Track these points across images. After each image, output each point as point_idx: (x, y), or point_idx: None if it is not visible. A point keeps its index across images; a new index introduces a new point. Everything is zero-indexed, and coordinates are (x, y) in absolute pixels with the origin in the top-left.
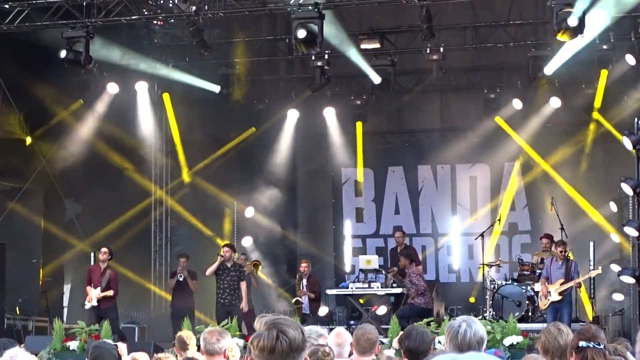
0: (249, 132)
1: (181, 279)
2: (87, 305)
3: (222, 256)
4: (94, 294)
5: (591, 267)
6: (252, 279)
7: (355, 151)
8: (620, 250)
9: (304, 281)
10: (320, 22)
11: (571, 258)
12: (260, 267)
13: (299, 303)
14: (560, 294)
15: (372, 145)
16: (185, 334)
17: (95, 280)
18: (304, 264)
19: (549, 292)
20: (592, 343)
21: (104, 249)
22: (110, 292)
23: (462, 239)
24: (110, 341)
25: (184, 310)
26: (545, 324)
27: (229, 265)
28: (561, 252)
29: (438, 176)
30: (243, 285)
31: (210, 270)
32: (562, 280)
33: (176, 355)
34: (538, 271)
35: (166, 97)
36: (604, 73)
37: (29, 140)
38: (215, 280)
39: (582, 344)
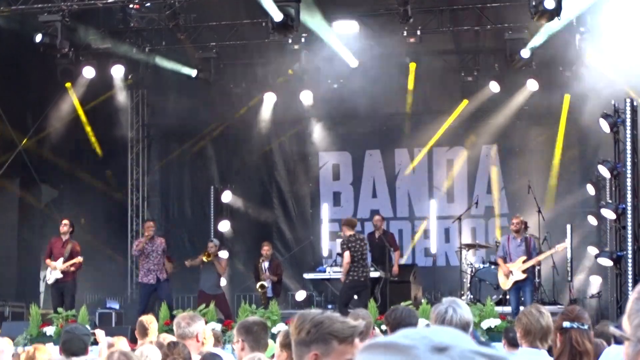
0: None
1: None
2: (50, 279)
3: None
4: (58, 265)
5: (569, 251)
6: (217, 264)
7: (333, 134)
8: (597, 233)
9: (266, 264)
10: (297, 5)
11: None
12: (210, 257)
13: (264, 287)
14: (523, 272)
15: (350, 128)
16: (146, 318)
17: (57, 252)
18: (265, 247)
19: (511, 271)
20: (576, 324)
21: (64, 221)
22: (79, 259)
23: (438, 223)
24: (86, 326)
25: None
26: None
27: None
28: (517, 224)
29: (415, 159)
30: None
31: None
32: (524, 258)
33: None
34: None
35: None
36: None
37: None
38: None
39: (566, 324)
